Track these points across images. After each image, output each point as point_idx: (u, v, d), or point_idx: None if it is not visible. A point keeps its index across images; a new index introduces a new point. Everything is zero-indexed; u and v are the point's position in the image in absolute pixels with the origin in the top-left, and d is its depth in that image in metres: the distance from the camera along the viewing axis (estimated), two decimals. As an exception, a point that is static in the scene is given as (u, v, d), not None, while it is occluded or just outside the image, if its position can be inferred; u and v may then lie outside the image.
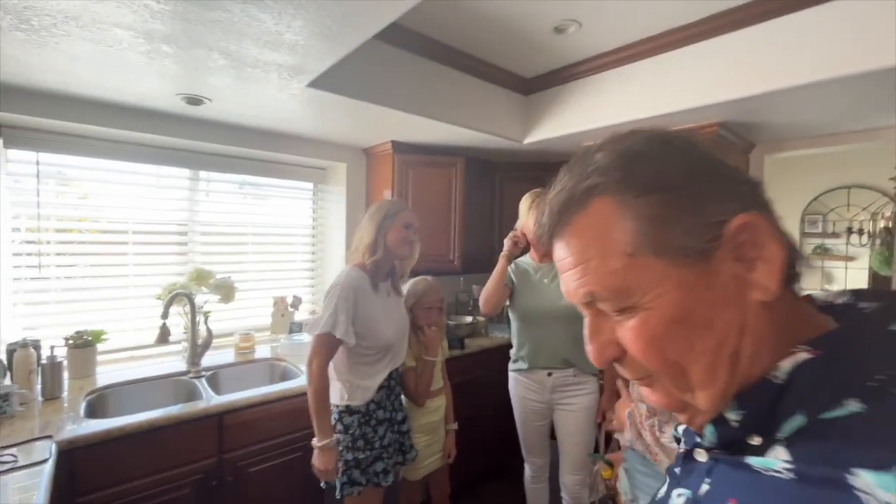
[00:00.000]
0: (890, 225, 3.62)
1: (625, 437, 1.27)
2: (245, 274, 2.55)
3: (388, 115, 1.99)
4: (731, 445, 0.39)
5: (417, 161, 2.56)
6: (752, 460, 0.36)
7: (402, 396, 1.72)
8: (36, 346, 1.69)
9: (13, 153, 1.88)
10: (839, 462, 0.31)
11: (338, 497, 1.52)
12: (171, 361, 2.11)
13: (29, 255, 1.95)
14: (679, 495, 0.44)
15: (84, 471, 1.40)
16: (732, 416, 0.38)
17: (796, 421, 0.35)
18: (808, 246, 4.17)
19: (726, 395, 0.38)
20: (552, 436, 1.95)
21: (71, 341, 1.83)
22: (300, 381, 1.94)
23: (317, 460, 1.46)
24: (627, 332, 0.39)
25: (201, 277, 2.16)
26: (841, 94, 1.62)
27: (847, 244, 4.00)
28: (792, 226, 4.18)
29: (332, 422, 1.52)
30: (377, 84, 1.82)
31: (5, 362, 1.63)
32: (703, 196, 0.37)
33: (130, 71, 1.50)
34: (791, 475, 0.33)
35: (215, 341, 2.14)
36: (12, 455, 1.26)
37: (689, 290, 0.37)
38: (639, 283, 0.38)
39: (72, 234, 2.08)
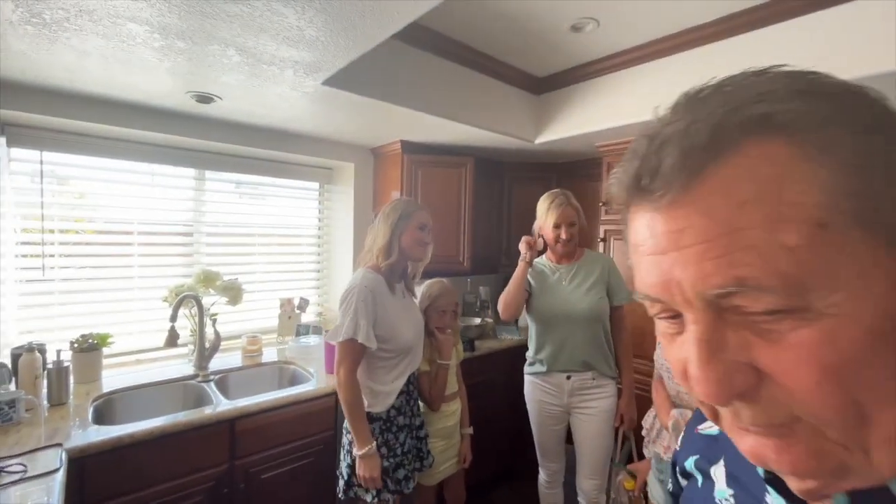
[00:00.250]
0: None
1: (658, 446, 1.24)
2: (251, 275, 2.51)
3: (400, 114, 1.96)
4: None
5: (426, 161, 2.52)
6: None
7: (420, 402, 1.69)
8: (41, 350, 1.64)
9: (16, 152, 1.83)
10: None
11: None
12: (177, 365, 2.06)
13: (32, 256, 1.90)
14: None
15: (94, 479, 1.36)
16: None
17: None
18: None
19: None
20: (567, 440, 1.93)
21: (76, 345, 1.78)
22: (311, 385, 1.91)
23: (361, 469, 1.41)
24: (789, 350, 0.25)
25: (208, 279, 2.11)
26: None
27: None
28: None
29: None
30: (389, 82, 1.79)
31: (10, 367, 1.58)
32: None
33: (141, 68, 1.45)
34: None
35: (221, 344, 2.10)
36: (21, 464, 1.21)
37: None
38: (827, 271, 0.24)
39: (75, 234, 2.03)
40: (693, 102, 0.29)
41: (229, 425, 1.63)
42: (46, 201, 1.91)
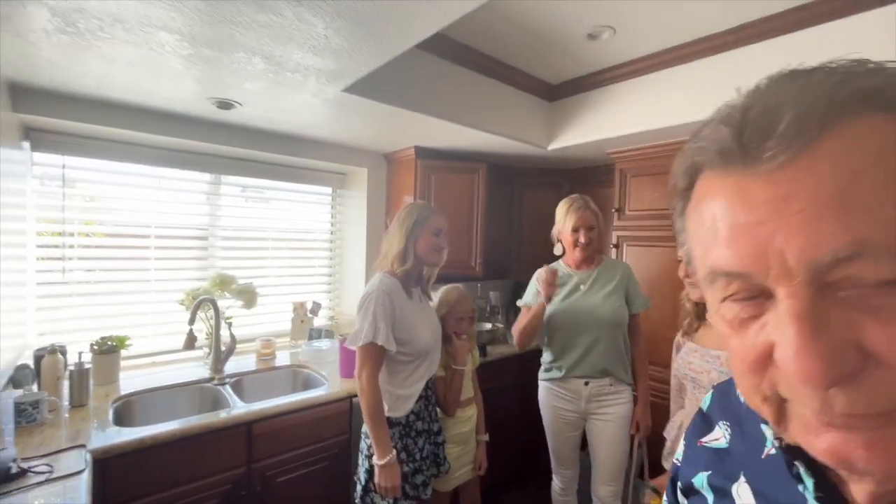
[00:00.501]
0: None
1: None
2: (264, 279, 2.53)
3: (416, 120, 1.98)
4: None
5: (440, 167, 2.54)
6: None
7: (437, 407, 1.69)
8: (63, 351, 1.66)
9: (39, 157, 1.86)
10: None
11: None
12: (193, 367, 2.08)
13: (53, 259, 1.93)
14: None
15: (116, 481, 1.38)
16: None
17: None
18: None
19: None
20: (581, 447, 1.92)
21: (96, 347, 1.80)
22: (325, 389, 1.91)
23: (381, 479, 1.39)
24: None
25: (224, 283, 2.14)
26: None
27: None
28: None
29: None
30: (407, 89, 1.81)
31: (33, 368, 1.60)
32: None
33: (167, 75, 1.48)
34: None
35: (235, 347, 2.11)
36: (47, 465, 1.23)
37: None
38: None
39: (93, 238, 2.06)
40: (798, 75, 0.29)
41: (247, 428, 1.64)
42: (68, 205, 1.94)
